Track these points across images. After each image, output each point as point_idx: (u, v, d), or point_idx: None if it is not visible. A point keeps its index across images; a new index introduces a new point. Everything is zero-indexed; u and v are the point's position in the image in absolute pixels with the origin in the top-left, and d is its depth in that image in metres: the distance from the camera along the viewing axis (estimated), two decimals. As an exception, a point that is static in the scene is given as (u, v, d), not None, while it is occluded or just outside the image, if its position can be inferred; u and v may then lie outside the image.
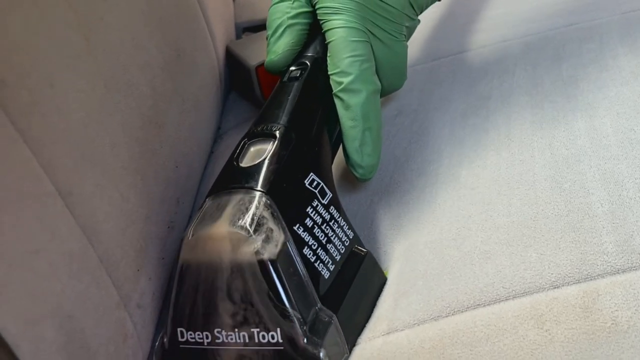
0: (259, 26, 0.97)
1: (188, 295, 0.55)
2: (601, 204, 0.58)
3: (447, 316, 0.55)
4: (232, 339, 0.54)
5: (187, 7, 0.80)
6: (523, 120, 0.69)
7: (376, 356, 0.55)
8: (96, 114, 0.57)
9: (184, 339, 0.55)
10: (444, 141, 0.71)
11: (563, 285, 0.53)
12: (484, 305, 0.54)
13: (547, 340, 0.51)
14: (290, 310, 0.53)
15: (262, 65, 0.81)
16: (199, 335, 0.55)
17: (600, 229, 0.56)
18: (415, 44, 0.88)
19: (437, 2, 0.74)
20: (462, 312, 0.55)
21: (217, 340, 0.54)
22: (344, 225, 0.60)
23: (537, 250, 0.56)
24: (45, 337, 0.47)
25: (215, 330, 0.54)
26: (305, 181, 0.59)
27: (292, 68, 0.67)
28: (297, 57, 0.69)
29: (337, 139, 0.67)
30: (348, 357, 0.55)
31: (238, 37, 0.99)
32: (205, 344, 0.55)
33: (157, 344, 0.58)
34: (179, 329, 0.55)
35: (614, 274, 0.53)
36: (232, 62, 0.90)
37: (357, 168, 0.65)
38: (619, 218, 0.56)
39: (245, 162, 0.59)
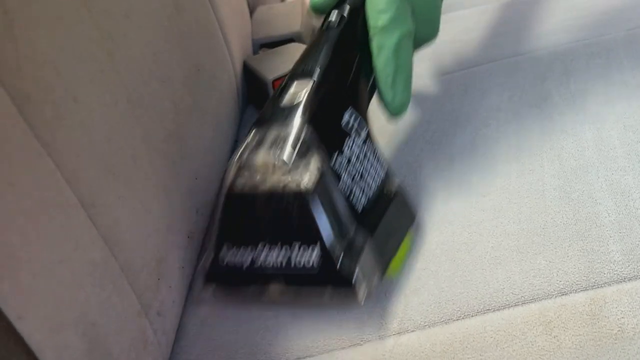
0: (276, 42, 0.98)
1: (231, 219, 0.60)
2: (608, 214, 0.59)
3: (457, 320, 0.56)
4: (272, 259, 0.58)
5: (206, 24, 0.81)
6: (532, 132, 0.70)
7: (388, 358, 0.55)
8: (119, 127, 0.57)
9: (226, 260, 0.60)
10: (455, 150, 0.72)
11: (571, 293, 0.54)
12: (494, 311, 0.55)
13: (555, 346, 0.51)
14: (327, 234, 0.56)
15: (278, 79, 0.82)
16: (241, 254, 0.59)
17: (607, 237, 0.57)
18: (428, 59, 0.89)
19: None
20: (472, 316, 0.55)
21: (257, 261, 0.58)
22: (377, 161, 0.63)
23: (546, 257, 0.57)
24: (69, 345, 0.47)
25: (257, 251, 0.58)
26: (343, 118, 0.61)
27: (331, 19, 0.68)
28: (336, 4, 0.70)
29: (372, 87, 0.69)
30: (379, 279, 0.58)
31: (255, 52, 0.99)
32: (247, 264, 0.59)
33: (199, 266, 0.64)
34: (222, 250, 0.60)
35: (621, 282, 0.54)
36: (250, 77, 0.90)
37: (389, 106, 0.67)
38: (625, 227, 0.57)
39: (285, 100, 0.62)
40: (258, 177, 0.58)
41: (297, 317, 0.61)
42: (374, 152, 0.63)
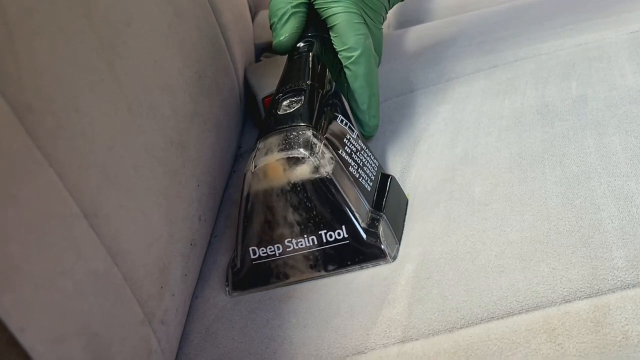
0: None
1: (256, 218, 0.64)
2: (611, 220, 0.58)
3: (461, 328, 0.56)
4: (302, 244, 0.64)
5: (208, 30, 0.81)
6: (534, 139, 0.70)
7: (392, 367, 0.55)
8: (120, 136, 0.57)
9: (256, 256, 0.65)
10: (457, 160, 0.72)
11: (575, 300, 0.54)
12: (498, 319, 0.55)
13: (559, 354, 0.51)
14: (351, 211, 0.64)
15: (268, 97, 0.86)
16: (270, 249, 0.65)
17: (610, 244, 0.57)
18: (429, 66, 0.89)
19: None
20: (476, 324, 0.55)
21: (288, 249, 0.65)
22: (370, 154, 0.71)
23: (549, 265, 0.57)
24: (72, 356, 0.47)
25: (286, 241, 0.64)
26: (337, 120, 0.70)
27: (300, 44, 0.78)
28: (299, 38, 0.78)
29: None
30: (399, 246, 0.65)
31: (257, 58, 0.99)
32: (277, 255, 0.65)
33: (227, 269, 0.68)
34: (250, 249, 0.65)
35: (625, 288, 0.53)
36: (247, 87, 0.91)
37: (365, 126, 0.78)
38: (629, 234, 0.57)
39: (282, 112, 0.68)
40: (279, 172, 0.63)
41: (301, 326, 0.61)
42: (366, 146, 0.72)
